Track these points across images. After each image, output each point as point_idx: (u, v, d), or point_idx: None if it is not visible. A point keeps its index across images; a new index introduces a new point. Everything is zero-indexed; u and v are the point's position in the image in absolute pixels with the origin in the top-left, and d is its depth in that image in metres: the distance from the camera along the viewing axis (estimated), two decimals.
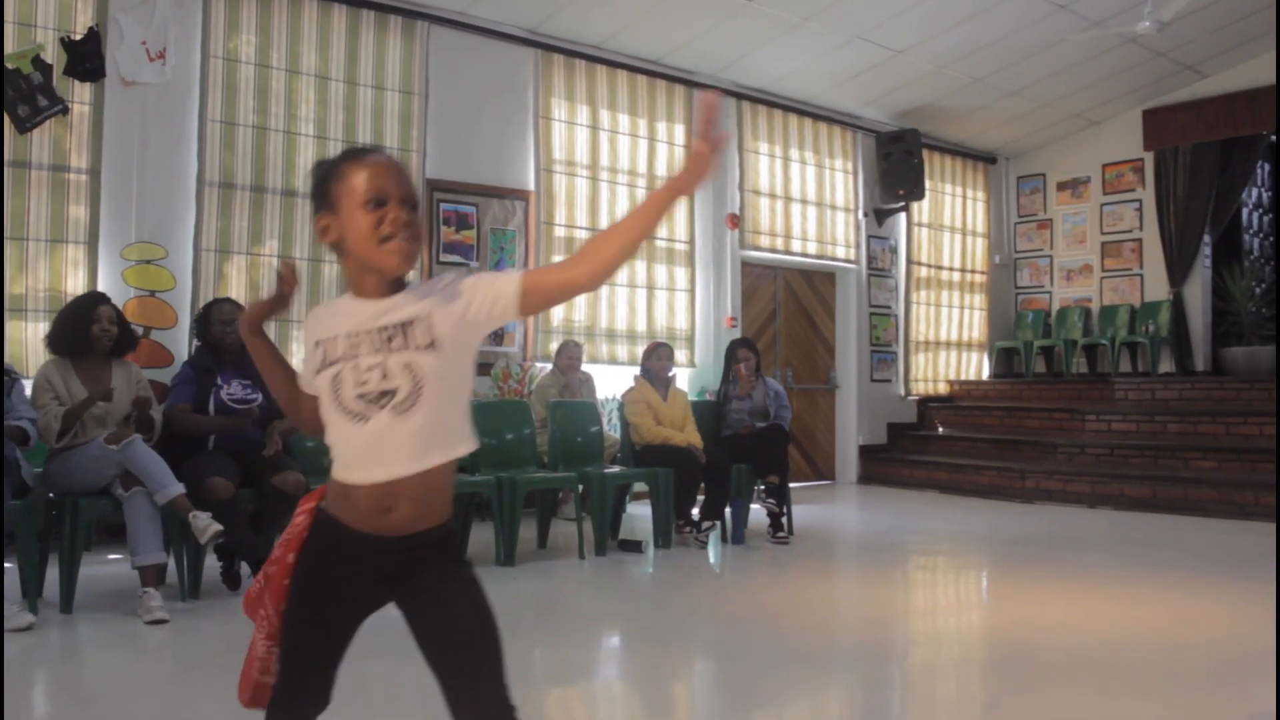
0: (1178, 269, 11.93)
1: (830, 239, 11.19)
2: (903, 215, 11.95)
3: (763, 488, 7.46)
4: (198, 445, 5.21)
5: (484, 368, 8.40)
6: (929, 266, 12.34)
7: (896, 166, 11.27)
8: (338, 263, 1.97)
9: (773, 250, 10.64)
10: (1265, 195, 13.38)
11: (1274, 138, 12.07)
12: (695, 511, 7.16)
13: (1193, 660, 4.20)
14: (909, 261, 12.07)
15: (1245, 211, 12.87)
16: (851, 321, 11.58)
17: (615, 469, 7.14)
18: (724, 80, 10.03)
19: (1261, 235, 13.37)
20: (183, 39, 7.20)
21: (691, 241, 9.94)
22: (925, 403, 12.31)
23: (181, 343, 7.01)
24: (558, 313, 8.96)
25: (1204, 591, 5.68)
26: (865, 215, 11.58)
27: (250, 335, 2.03)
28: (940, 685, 4.01)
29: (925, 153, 11.56)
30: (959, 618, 5.56)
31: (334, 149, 7.51)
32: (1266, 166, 12.94)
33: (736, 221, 10.26)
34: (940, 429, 12.05)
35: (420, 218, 1.89)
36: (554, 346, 8.76)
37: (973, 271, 12.92)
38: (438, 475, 1.87)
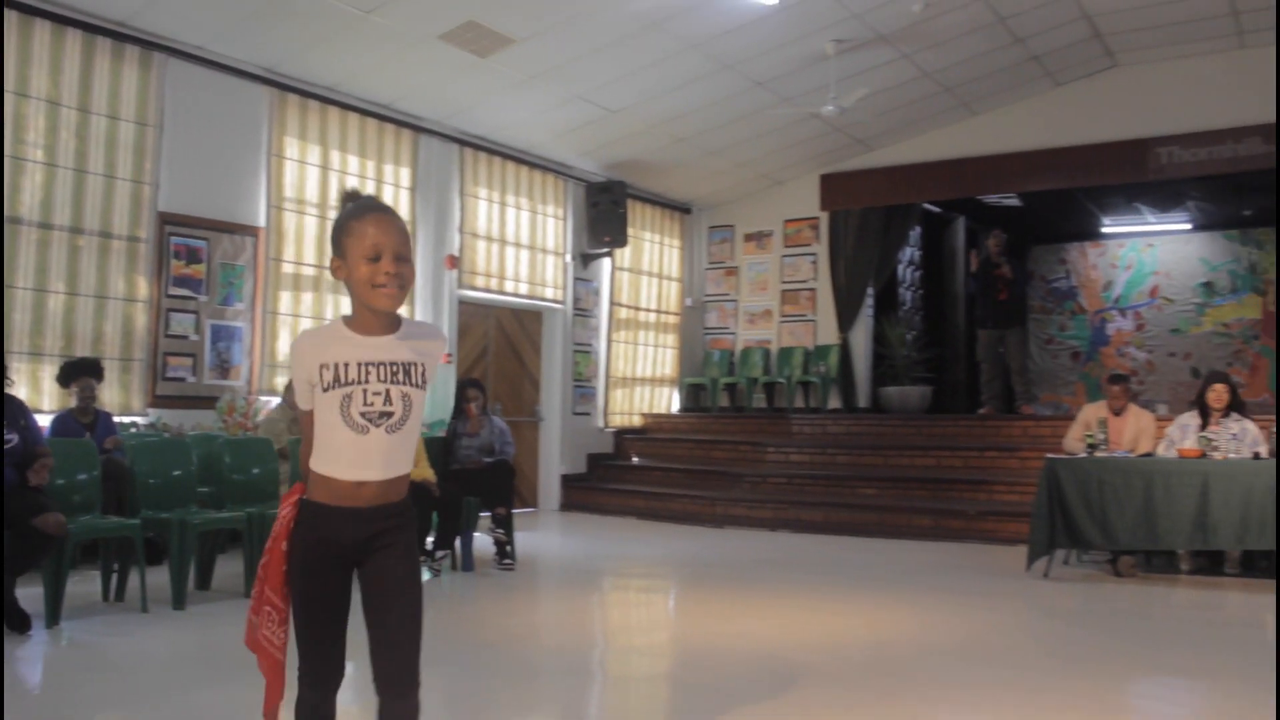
0: (846, 316, 13.35)
1: (540, 280, 11.84)
2: (607, 260, 12.76)
3: (490, 518, 7.95)
4: None
5: (208, 401, 8.45)
6: (628, 307, 13.21)
7: (604, 214, 12.06)
8: (347, 294, 2.52)
9: (488, 290, 11.15)
10: (917, 254, 15.18)
11: (926, 206, 13.78)
12: (429, 541, 7.56)
13: (869, 658, 5.06)
14: (611, 303, 12.89)
15: (901, 268, 14.56)
16: (557, 358, 12.25)
17: None
18: (449, 127, 10.49)
19: (913, 289, 15.15)
20: None
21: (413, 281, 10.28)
22: (622, 434, 13.15)
23: None
24: (283, 346, 9.09)
25: (872, 601, 6.66)
26: (573, 259, 12.30)
27: None
28: (645, 692, 4.66)
29: (630, 202, 12.43)
30: (661, 632, 6.25)
31: (64, 177, 7.51)
32: (919, 230, 14.71)
33: (455, 262, 10.71)
34: (635, 459, 12.92)
35: (409, 268, 2.47)
36: (279, 381, 8.92)
37: (667, 313, 13.91)
38: (395, 481, 2.53)
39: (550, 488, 12.27)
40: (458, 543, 7.73)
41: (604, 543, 9.76)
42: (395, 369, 2.48)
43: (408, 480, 2.58)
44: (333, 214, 9.44)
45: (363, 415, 2.45)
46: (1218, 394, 7.94)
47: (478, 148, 10.90)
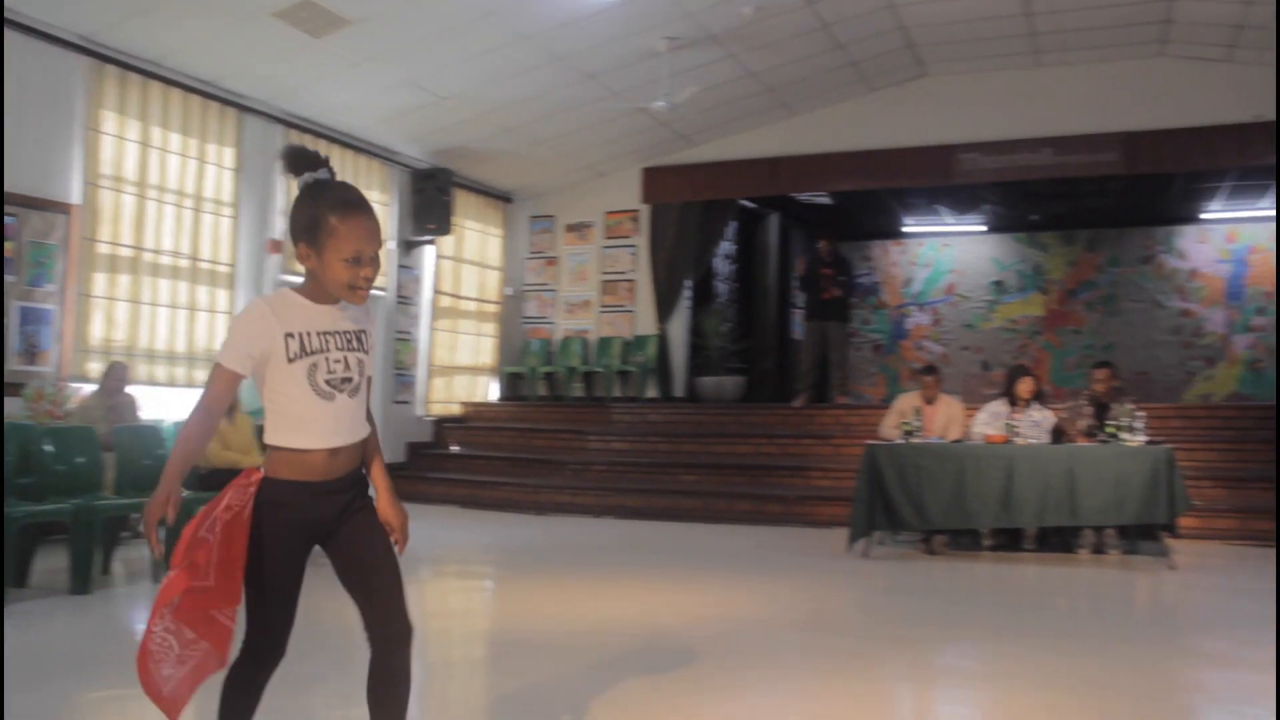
0: (665, 308, 13.64)
1: None
2: (430, 247, 12.69)
3: None
4: None
5: (13, 388, 8.02)
6: (450, 295, 13.16)
7: (428, 201, 12.00)
8: (302, 266, 2.51)
9: None
10: (732, 249, 15.64)
11: (742, 201, 14.24)
12: None
13: (716, 631, 5.29)
14: (434, 290, 12.82)
15: (717, 261, 14.98)
16: (378, 346, 12.10)
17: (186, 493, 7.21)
18: (275, 108, 10.25)
19: (728, 282, 15.61)
20: None
21: (234, 264, 10.02)
22: (441, 423, 13.10)
23: None
24: (97, 331, 8.71)
25: (707, 581, 6.93)
26: (396, 246, 12.18)
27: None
28: (476, 675, 4.77)
29: (454, 190, 12.39)
30: (493, 618, 6.34)
31: None
32: (735, 225, 15.15)
33: (278, 246, 10.47)
34: (455, 448, 12.89)
35: (379, 260, 2.52)
36: (91, 366, 8.58)
37: (487, 301, 13.92)
38: (358, 447, 2.61)
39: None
40: None
41: (429, 531, 9.70)
42: (349, 337, 2.54)
43: (359, 455, 2.62)
44: (154, 194, 9.14)
45: (327, 383, 2.49)
46: (1027, 385, 8.56)
47: (303, 130, 10.67)
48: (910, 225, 16.86)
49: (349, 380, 2.53)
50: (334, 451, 2.52)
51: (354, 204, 2.47)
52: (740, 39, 10.37)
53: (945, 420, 8.83)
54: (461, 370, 13.52)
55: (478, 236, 13.67)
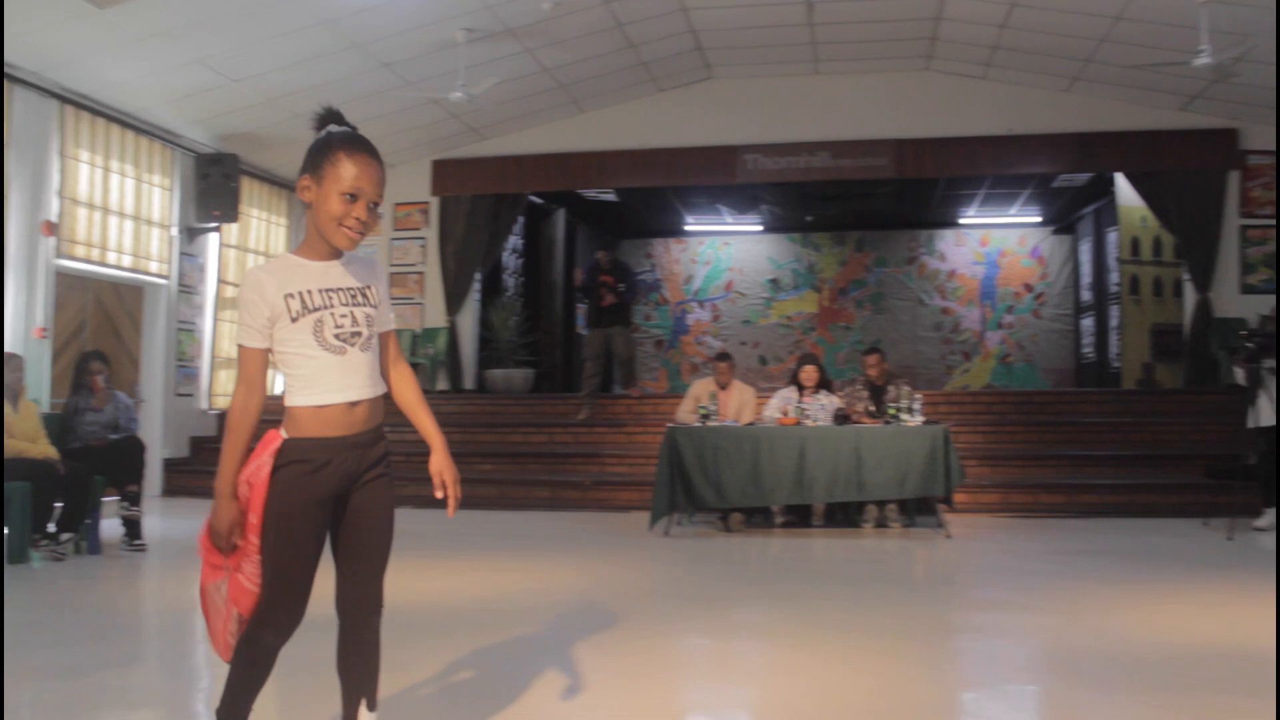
0: (454, 300, 13.67)
1: (145, 253, 11.23)
2: (214, 235, 12.30)
3: (120, 498, 7.59)
4: None
5: None
6: (235, 285, 12.80)
7: (214, 188, 11.63)
8: (301, 200, 2.52)
9: (88, 261, 10.45)
10: (520, 243, 15.80)
11: (531, 197, 14.42)
12: (51, 525, 7.10)
13: (533, 604, 5.49)
14: (218, 280, 12.45)
15: (505, 255, 15.10)
16: (159, 336, 11.65)
17: None
18: (48, 80, 9.71)
19: (516, 276, 15.76)
20: None
21: (1, 247, 9.48)
22: (225, 416, 12.71)
23: None
24: None
25: (517, 562, 7.11)
26: (179, 232, 11.76)
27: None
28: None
29: (241, 177, 12.07)
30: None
31: None
32: (522, 220, 15.31)
33: (53, 229, 9.96)
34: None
35: (378, 214, 2.54)
36: None
37: (253, 268, 13.52)
38: (378, 402, 2.58)
39: (151, 472, 11.62)
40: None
41: None
42: (354, 292, 2.56)
43: (381, 411, 2.63)
44: None
45: (336, 337, 2.51)
46: (808, 372, 9.10)
47: (80, 106, 10.18)
48: (692, 224, 17.46)
49: (358, 334, 2.54)
50: (352, 405, 2.54)
51: (363, 145, 2.52)
52: (537, 34, 10.57)
53: (739, 404, 9.26)
54: None
55: (263, 225, 13.35)
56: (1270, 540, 7.85)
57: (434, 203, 13.81)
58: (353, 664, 2.65)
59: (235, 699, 2.57)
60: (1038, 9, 10.11)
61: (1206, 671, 4.07)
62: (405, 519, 9.17)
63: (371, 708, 2.68)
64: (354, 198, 2.48)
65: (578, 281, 12.84)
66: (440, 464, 2.69)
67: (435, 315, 13.75)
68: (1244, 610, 5.40)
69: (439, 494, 2.68)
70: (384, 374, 2.68)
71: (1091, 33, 10.41)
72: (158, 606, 6.06)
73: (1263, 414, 8.22)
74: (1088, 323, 15.91)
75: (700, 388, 9.45)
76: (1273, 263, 11.96)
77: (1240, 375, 8.49)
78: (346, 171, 2.46)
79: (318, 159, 2.51)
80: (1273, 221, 11.95)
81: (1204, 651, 4.39)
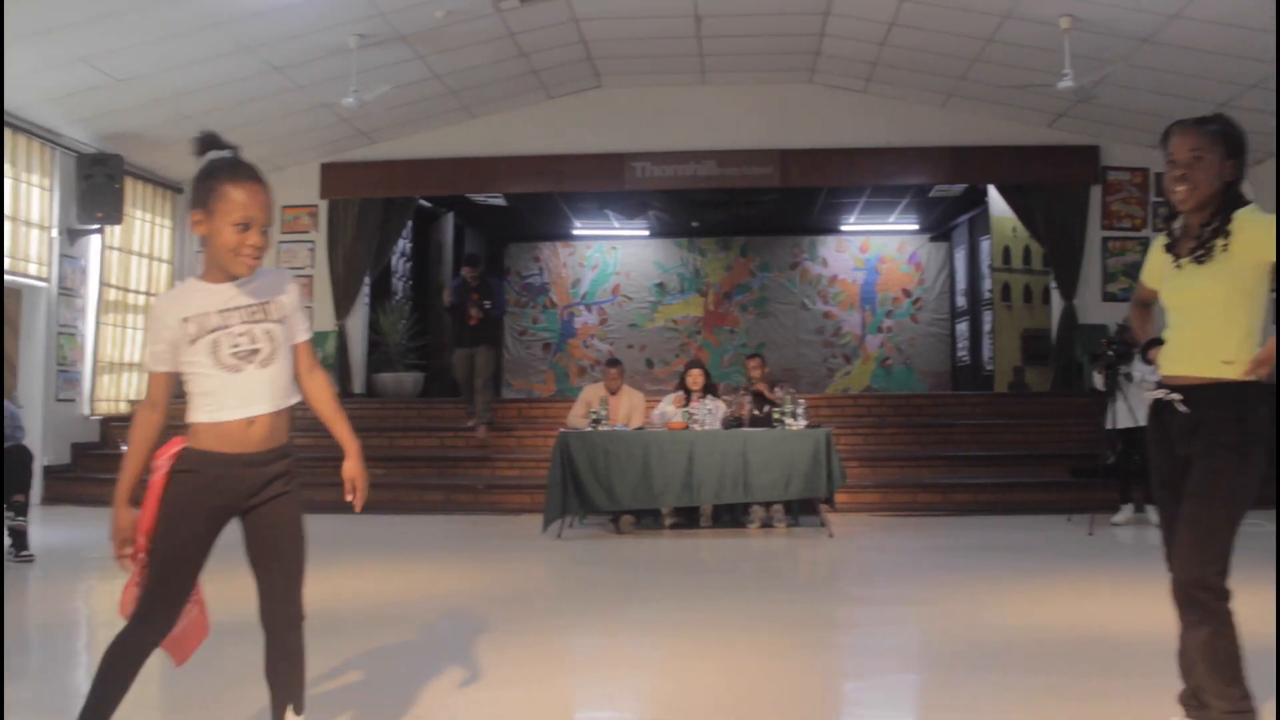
0: (343, 304, 13.62)
1: (23, 255, 10.99)
2: (97, 237, 12.07)
3: (8, 506, 7.47)
4: None
5: None
6: (118, 289, 12.58)
7: (97, 189, 11.41)
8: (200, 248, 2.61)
9: None
10: (409, 246, 15.80)
11: (420, 200, 14.45)
12: None
13: (442, 606, 5.63)
14: (101, 283, 12.22)
15: (394, 259, 15.10)
16: (39, 340, 11.40)
17: None
18: None
19: (404, 280, 15.76)
20: None
21: None
22: (109, 422, 12.50)
23: None
24: None
25: (414, 564, 7.22)
26: (59, 234, 11.53)
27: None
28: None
29: (126, 178, 11.87)
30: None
31: None
32: (412, 223, 15.31)
33: None
34: (125, 447, 12.26)
35: (270, 234, 2.63)
36: None
37: (158, 295, 13.39)
38: (280, 416, 2.67)
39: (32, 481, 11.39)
40: None
41: (100, 535, 9.36)
42: (254, 309, 2.65)
43: (289, 419, 2.72)
44: None
45: (234, 355, 2.61)
46: (694, 377, 9.38)
47: None
48: (580, 228, 17.65)
49: (256, 351, 2.63)
50: (250, 421, 2.62)
51: (247, 172, 2.61)
52: (429, 41, 10.64)
53: (629, 409, 9.49)
54: (131, 367, 12.94)
55: (148, 227, 13.13)
56: (1126, 534, 8.39)
57: (323, 206, 13.75)
58: (278, 672, 2.77)
59: (100, 704, 2.59)
60: (916, 29, 10.55)
61: (1068, 656, 4.40)
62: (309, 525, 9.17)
63: (299, 711, 2.80)
64: (246, 226, 2.58)
65: (446, 302, 11.99)
66: (353, 470, 2.87)
67: (324, 319, 13.67)
68: (1102, 599, 5.82)
69: (349, 497, 2.85)
70: (299, 383, 2.80)
71: (965, 53, 10.91)
72: (44, 619, 6.01)
73: (1120, 417, 8.75)
74: (962, 327, 16.55)
75: (591, 393, 9.65)
76: (1132, 272, 12.66)
77: (1100, 380, 9.01)
78: (235, 202, 2.57)
79: (204, 193, 2.60)
80: (1132, 234, 12.65)
81: (1066, 637, 4.74)
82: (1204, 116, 3.01)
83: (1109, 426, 8.86)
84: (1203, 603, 2.87)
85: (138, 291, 12.96)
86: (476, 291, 11.47)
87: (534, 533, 8.60)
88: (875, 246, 17.52)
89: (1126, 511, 8.88)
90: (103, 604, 6.12)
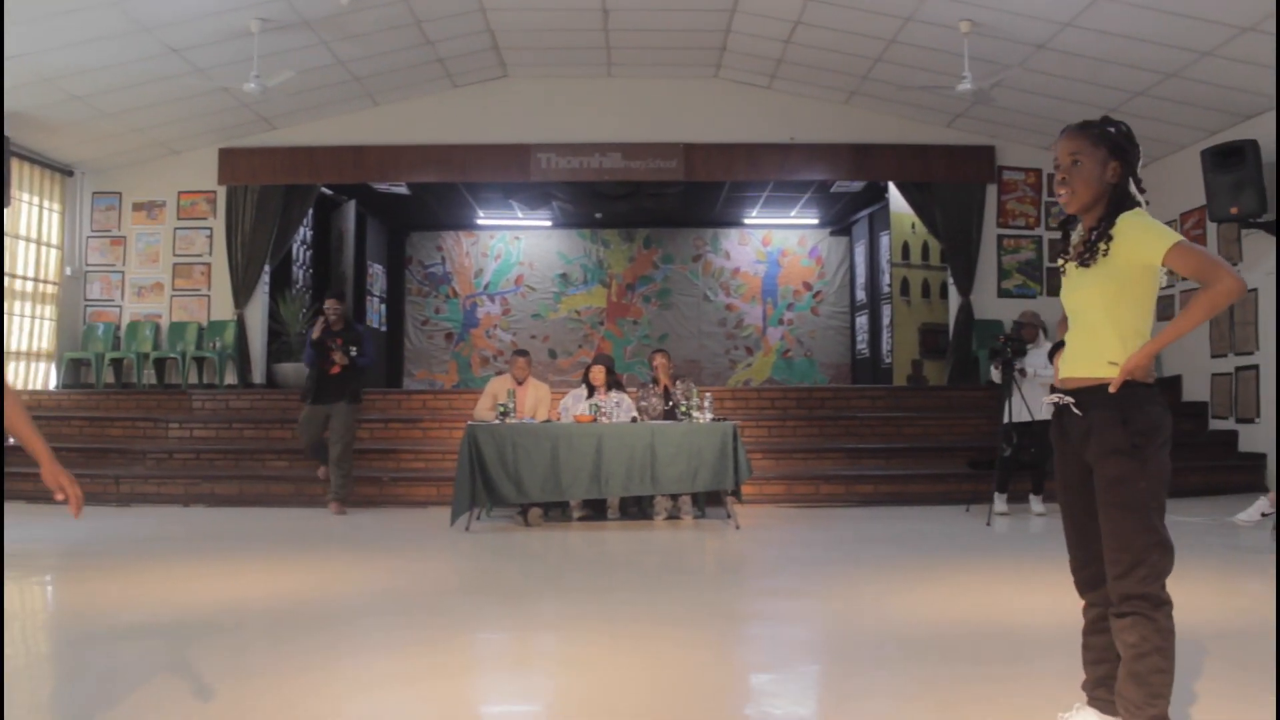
0: (242, 293, 13.38)
1: None
2: None
3: None
4: None
5: None
6: (4, 274, 12.18)
7: None
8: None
9: None
10: (309, 235, 15.56)
11: (322, 188, 14.24)
12: None
13: (333, 608, 5.60)
14: None
15: (295, 247, 14.86)
16: None
17: None
18: None
19: (305, 269, 15.52)
20: None
21: None
22: None
23: None
24: None
25: (313, 561, 7.15)
26: None
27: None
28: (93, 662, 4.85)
29: (12, 159, 11.50)
30: (71, 611, 6.25)
31: None
32: (313, 211, 15.08)
33: None
34: (12, 440, 11.93)
35: None
36: None
37: (45, 282, 13.00)
38: None
39: None
40: None
41: (12, 530, 9.10)
42: None
43: None
44: None
45: None
46: (596, 373, 9.47)
47: None
48: (484, 218, 17.56)
49: None
50: None
51: None
52: (333, 26, 10.50)
53: (535, 401, 9.50)
54: (16, 356, 12.54)
55: (34, 211, 12.73)
56: (1002, 524, 8.66)
57: (221, 192, 13.48)
58: None
59: None
60: (820, 28, 10.71)
61: (967, 645, 4.55)
62: (188, 518, 8.98)
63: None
64: None
65: (315, 333, 9.81)
66: (52, 473, 2.85)
67: (222, 308, 13.43)
68: (1002, 588, 6.01)
69: (59, 497, 2.81)
70: None
71: (868, 53, 11.12)
72: None
73: (1016, 410, 9.02)
74: (862, 320, 16.86)
75: (498, 385, 9.63)
76: (1025, 269, 13.05)
77: (996, 375, 9.27)
78: None
79: None
80: (1026, 232, 13.03)
81: (965, 627, 4.90)
82: (1089, 120, 3.06)
83: (1005, 420, 9.13)
84: (1138, 612, 2.84)
85: (24, 278, 12.56)
86: (341, 336, 9.71)
87: (442, 526, 8.57)
88: (777, 240, 17.76)
89: (1000, 502, 9.11)
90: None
